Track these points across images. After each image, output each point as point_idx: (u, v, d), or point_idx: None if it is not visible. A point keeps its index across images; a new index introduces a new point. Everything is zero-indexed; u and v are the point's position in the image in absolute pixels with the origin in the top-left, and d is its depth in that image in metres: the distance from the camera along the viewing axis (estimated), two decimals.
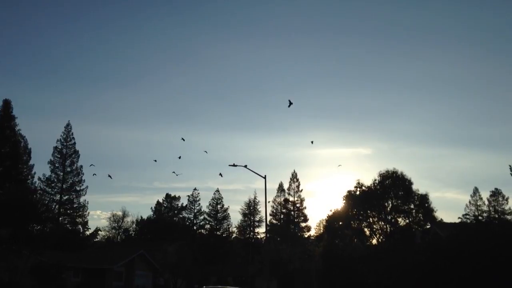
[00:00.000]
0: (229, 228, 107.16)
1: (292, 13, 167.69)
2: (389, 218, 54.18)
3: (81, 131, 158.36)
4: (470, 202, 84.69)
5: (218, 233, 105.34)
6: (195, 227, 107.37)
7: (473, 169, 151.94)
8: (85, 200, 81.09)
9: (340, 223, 57.08)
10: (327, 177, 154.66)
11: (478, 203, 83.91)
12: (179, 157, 41.50)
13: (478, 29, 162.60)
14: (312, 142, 47.17)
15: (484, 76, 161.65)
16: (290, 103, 34.87)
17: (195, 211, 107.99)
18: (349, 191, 57.01)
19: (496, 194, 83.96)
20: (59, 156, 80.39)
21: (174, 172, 45.05)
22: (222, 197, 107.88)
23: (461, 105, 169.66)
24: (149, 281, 63.52)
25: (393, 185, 55.05)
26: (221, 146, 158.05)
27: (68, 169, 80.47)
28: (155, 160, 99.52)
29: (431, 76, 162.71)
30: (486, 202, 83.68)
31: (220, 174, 44.43)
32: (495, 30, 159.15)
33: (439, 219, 54.57)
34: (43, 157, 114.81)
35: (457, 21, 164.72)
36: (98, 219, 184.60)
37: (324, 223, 76.67)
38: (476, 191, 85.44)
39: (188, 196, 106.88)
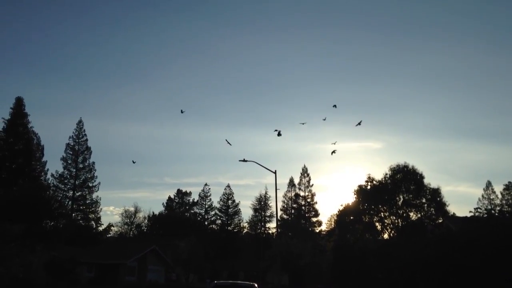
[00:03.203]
0: (240, 223, 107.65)
1: (304, 8, 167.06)
2: (401, 212, 53.81)
3: (92, 127, 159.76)
4: (483, 195, 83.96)
5: (229, 228, 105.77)
6: (206, 223, 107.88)
7: (486, 162, 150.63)
8: (98, 196, 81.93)
9: (351, 217, 56.83)
10: (337, 171, 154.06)
11: (491, 197, 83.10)
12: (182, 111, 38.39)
13: (488, 23, 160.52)
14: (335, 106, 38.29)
15: (496, 69, 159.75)
16: (279, 133, 36.42)
17: (206, 206, 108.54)
18: (360, 186, 56.71)
19: (509, 187, 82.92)
20: (71, 152, 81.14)
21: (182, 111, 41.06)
22: (233, 193, 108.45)
23: (473, 98, 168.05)
24: (161, 276, 63.99)
25: (405, 179, 54.59)
26: (231, 141, 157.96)
27: (81, 166, 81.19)
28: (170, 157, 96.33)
29: (442, 70, 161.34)
30: (500, 196, 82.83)
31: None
32: (505, 22, 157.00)
33: (452, 213, 54.04)
34: (55, 153, 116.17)
35: (467, 15, 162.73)
36: (111, 215, 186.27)
37: (335, 218, 76.49)
38: (489, 184, 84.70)
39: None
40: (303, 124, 37.97)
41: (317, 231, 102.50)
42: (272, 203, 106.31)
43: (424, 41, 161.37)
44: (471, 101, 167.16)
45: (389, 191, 54.15)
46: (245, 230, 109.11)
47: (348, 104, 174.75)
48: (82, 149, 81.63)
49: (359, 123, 35.47)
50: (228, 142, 38.21)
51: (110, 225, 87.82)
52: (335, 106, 35.96)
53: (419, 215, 53.48)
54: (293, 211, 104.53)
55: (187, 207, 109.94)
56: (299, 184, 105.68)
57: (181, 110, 39.60)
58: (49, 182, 76.33)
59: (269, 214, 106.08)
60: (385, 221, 54.54)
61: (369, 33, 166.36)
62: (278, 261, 49.02)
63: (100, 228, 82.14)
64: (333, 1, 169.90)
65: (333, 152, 38.90)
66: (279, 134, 36.45)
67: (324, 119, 43.68)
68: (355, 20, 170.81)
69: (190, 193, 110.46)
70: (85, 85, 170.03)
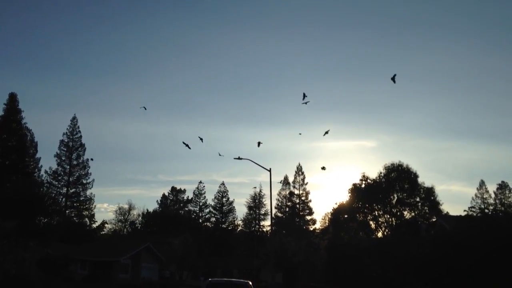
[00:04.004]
0: (234, 221, 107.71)
1: (300, 7, 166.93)
2: (395, 211, 54.05)
3: (87, 124, 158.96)
4: (476, 195, 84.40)
5: (223, 226, 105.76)
6: (200, 220, 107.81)
7: (480, 161, 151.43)
8: (92, 193, 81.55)
9: (346, 216, 57.01)
10: (332, 169, 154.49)
11: (485, 196, 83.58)
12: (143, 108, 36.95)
13: (483, 22, 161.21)
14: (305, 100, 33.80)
15: (490, 69, 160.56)
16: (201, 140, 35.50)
17: (201, 204, 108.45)
18: (354, 184, 56.88)
19: (503, 187, 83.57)
20: (65, 149, 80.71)
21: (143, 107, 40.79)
22: (227, 190, 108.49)
23: (467, 97, 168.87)
24: (155, 273, 63.85)
25: (399, 178, 54.86)
26: (226, 139, 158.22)
27: (75, 162, 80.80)
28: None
29: (436, 69, 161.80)
30: (493, 195, 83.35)
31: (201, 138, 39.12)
32: (501, 23, 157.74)
33: (445, 212, 54.38)
34: (49, 150, 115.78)
35: (463, 15, 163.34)
36: (105, 212, 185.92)
37: (329, 216, 76.71)
38: (482, 184, 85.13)
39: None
40: (306, 103, 34.99)
41: (311, 229, 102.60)
42: (266, 201, 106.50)
43: (420, 40, 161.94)
44: (466, 100, 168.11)
45: (383, 189, 54.39)
46: (239, 228, 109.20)
47: (342, 102, 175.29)
48: (76, 145, 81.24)
49: (305, 98, 33.34)
50: (201, 139, 37.05)
51: (104, 222, 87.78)
52: (306, 101, 33.68)
53: (413, 214, 53.78)
54: (287, 209, 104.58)
55: (181, 204, 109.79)
56: (294, 182, 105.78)
57: (143, 107, 39.18)
58: (43, 178, 75.94)
59: (263, 212, 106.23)
60: (379, 219, 54.77)
61: (365, 32, 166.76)
62: (272, 259, 49.05)
63: (94, 225, 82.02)
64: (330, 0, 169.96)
65: (259, 143, 37.90)
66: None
67: (300, 134, 42.22)
68: (351, 19, 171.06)
69: (185, 190, 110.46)
70: (79, 81, 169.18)
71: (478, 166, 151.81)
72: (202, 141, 35.87)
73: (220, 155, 37.55)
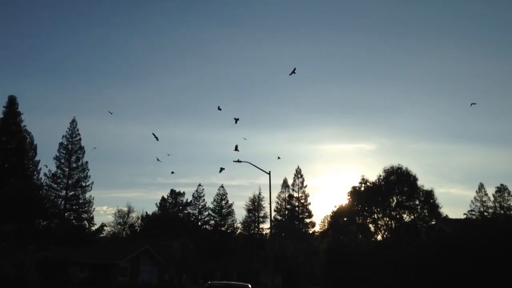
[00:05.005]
0: (233, 224, 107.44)
1: (298, 10, 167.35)
2: (394, 214, 54.01)
3: (86, 126, 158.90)
4: (475, 198, 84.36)
5: (222, 228, 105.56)
6: (199, 223, 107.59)
7: (479, 164, 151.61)
8: (91, 196, 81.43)
9: (345, 219, 56.98)
10: (331, 172, 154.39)
11: (484, 199, 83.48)
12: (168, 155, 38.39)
13: (482, 26, 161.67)
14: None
15: (488, 72, 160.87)
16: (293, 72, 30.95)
17: (200, 207, 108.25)
18: (353, 187, 56.87)
19: (501, 190, 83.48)
20: (64, 152, 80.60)
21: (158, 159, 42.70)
22: (226, 193, 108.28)
23: (466, 100, 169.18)
24: (154, 276, 63.74)
25: (398, 181, 54.83)
26: (225, 142, 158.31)
27: (74, 165, 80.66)
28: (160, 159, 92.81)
29: (435, 72, 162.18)
30: (492, 198, 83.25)
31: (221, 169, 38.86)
32: (499, 26, 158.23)
33: (444, 215, 54.38)
34: (48, 153, 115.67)
35: (461, 18, 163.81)
36: (104, 214, 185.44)
37: (328, 219, 76.61)
38: (481, 187, 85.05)
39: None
40: (294, 71, 32.08)
41: (311, 232, 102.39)
42: (265, 204, 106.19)
43: (419, 44, 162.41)
44: (465, 104, 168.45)
45: (383, 192, 54.35)
46: (239, 231, 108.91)
47: (342, 105, 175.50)
48: (76, 148, 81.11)
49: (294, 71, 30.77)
50: (155, 137, 36.04)
51: (103, 225, 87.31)
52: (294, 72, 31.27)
53: (412, 217, 53.73)
54: (286, 212, 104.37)
55: (180, 207, 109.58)
56: (293, 185, 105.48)
57: (109, 112, 40.45)
58: (42, 181, 75.78)
59: (262, 215, 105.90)
60: (379, 222, 54.75)
61: (365, 35, 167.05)
62: (271, 262, 48.98)
63: (93, 228, 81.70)
64: (329, 2, 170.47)
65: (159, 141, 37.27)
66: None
67: (245, 139, 43.79)
68: (351, 22, 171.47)
69: (184, 193, 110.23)
70: (79, 84, 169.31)
71: (477, 169, 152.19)
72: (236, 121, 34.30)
73: (168, 154, 38.30)
